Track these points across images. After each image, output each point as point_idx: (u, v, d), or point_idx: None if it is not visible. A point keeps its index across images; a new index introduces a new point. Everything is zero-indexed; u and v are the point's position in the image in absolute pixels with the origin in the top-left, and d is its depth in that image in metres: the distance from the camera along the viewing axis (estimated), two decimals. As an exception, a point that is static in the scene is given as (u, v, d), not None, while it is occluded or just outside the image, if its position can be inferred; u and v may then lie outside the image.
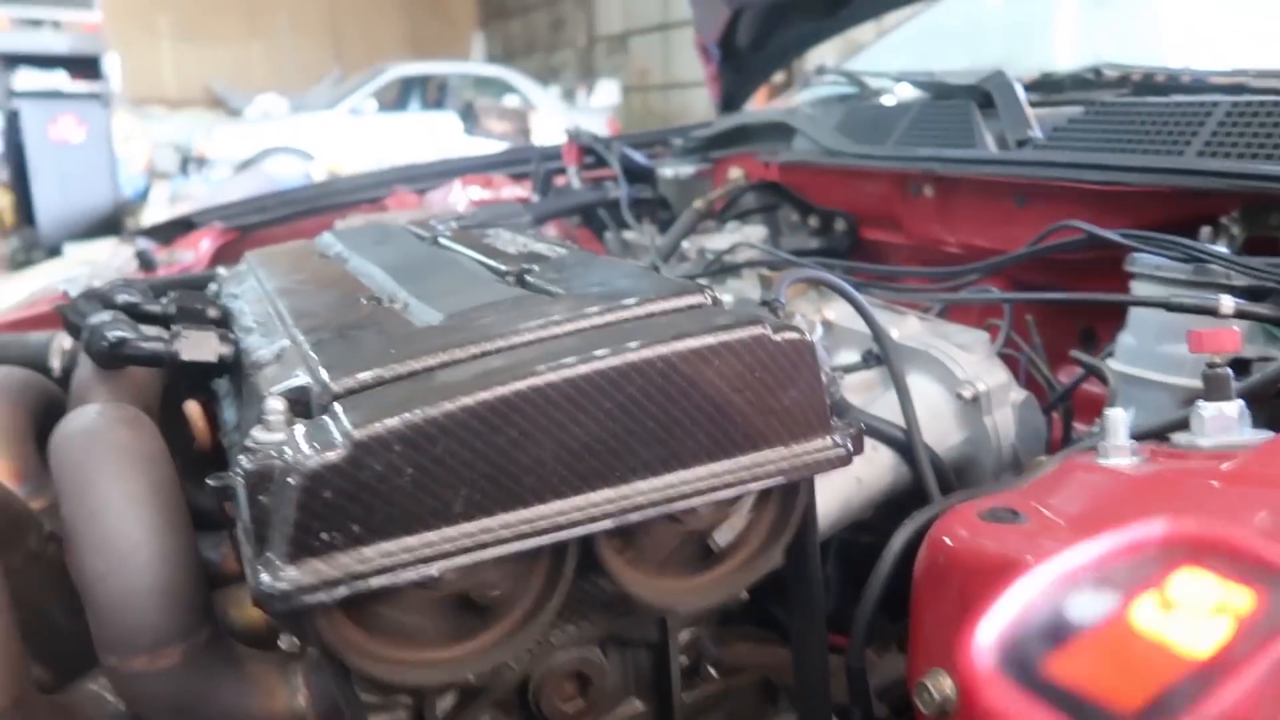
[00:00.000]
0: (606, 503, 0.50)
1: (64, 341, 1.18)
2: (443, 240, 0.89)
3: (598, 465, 0.50)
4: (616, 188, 1.67)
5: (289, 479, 0.44)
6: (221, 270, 0.97)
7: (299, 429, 0.48)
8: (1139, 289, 0.78)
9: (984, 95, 1.20)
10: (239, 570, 0.74)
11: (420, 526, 0.46)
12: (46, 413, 0.82)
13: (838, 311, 0.99)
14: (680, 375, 0.51)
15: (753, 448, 0.53)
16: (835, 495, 0.78)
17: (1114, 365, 0.79)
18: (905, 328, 0.90)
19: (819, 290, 1.04)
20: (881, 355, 0.85)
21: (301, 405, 0.52)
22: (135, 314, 0.79)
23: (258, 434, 0.49)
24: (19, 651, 0.56)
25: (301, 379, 0.54)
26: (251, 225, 1.76)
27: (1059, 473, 0.56)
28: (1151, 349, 0.78)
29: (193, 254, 1.62)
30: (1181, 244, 0.77)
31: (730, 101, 2.02)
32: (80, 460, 0.59)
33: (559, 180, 1.90)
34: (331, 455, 0.45)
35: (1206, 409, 0.58)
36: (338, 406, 0.48)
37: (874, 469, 0.81)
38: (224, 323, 0.78)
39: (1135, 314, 0.80)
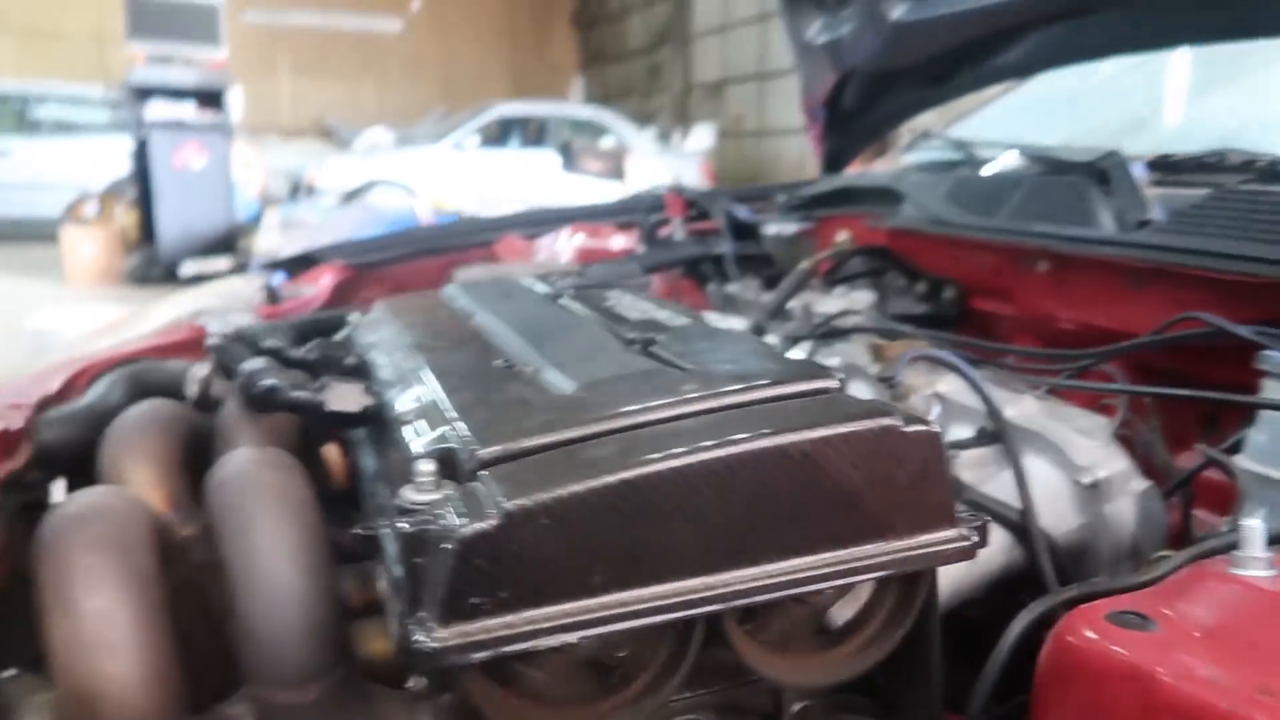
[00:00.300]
0: (737, 583, 0.51)
1: (199, 371, 1.25)
2: (565, 301, 0.92)
3: (729, 547, 0.51)
4: (721, 242, 1.70)
5: (445, 544, 0.47)
6: (354, 316, 1.02)
7: (450, 493, 0.51)
8: (1271, 389, 0.76)
9: (1100, 173, 1.19)
10: (363, 604, 0.77)
11: (562, 596, 0.48)
12: (191, 441, 0.87)
13: (950, 385, 0.99)
14: (812, 463, 0.53)
15: (879, 536, 0.54)
16: (948, 575, 0.77)
17: (1243, 463, 0.77)
18: (1022, 407, 0.90)
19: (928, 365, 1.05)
20: (998, 434, 0.85)
21: (449, 467, 0.55)
22: (279, 359, 0.84)
23: (410, 494, 0.52)
24: (178, 675, 0.60)
25: (448, 441, 0.57)
26: (370, 263, 1.84)
27: (1190, 579, 0.56)
28: (1282, 449, 0.76)
29: (314, 289, 1.70)
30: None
31: (834, 162, 2.03)
32: (239, 504, 0.64)
33: (663, 231, 1.94)
34: (484, 525, 0.47)
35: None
36: (487, 474, 0.51)
37: (988, 550, 0.80)
38: (362, 372, 0.82)
39: (1267, 412, 0.78)
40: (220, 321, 1.29)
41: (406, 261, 1.86)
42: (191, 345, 1.39)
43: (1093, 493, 0.81)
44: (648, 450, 0.51)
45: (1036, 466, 0.84)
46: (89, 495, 0.67)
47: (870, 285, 1.43)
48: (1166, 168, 1.23)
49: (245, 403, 0.77)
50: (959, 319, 1.35)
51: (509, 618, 0.47)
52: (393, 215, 4.38)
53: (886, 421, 0.54)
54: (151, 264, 7.34)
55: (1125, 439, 0.98)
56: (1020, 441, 0.85)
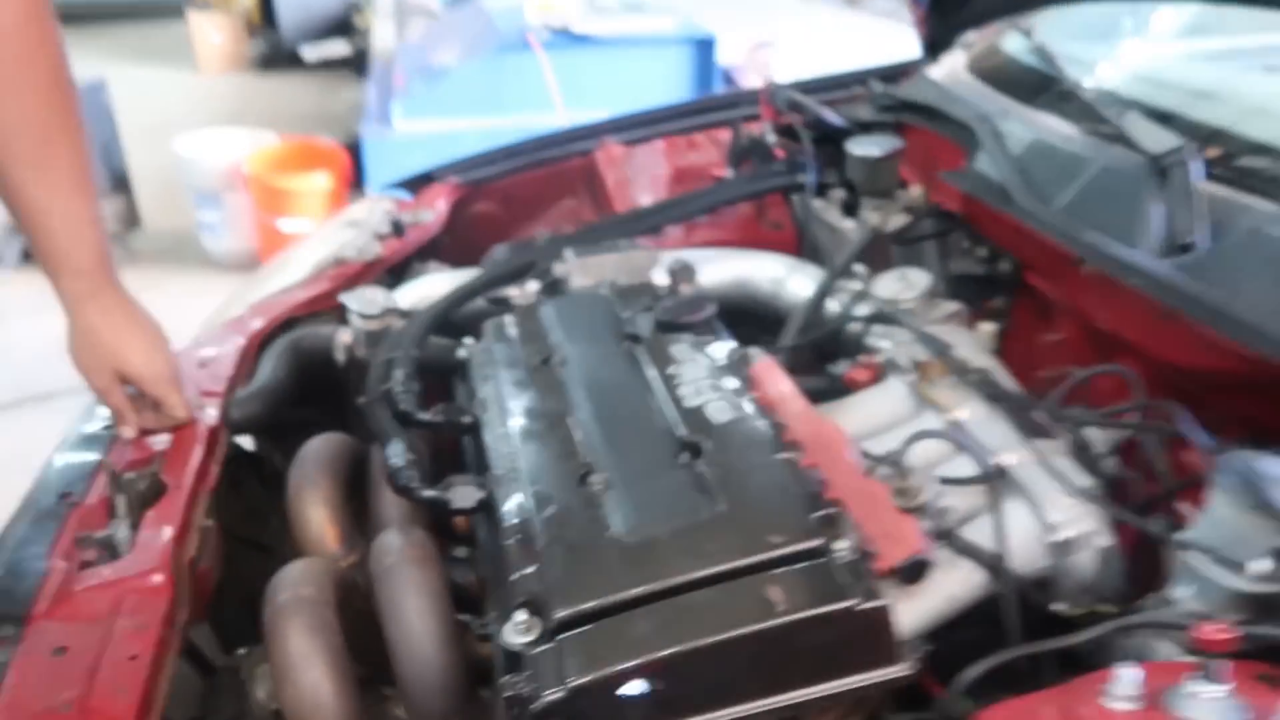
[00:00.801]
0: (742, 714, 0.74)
1: (345, 337, 1.50)
2: (638, 354, 1.10)
3: (732, 690, 0.74)
4: (803, 171, 1.78)
5: (531, 706, 0.71)
6: (464, 348, 1.22)
7: (539, 647, 0.74)
8: (1219, 501, 0.90)
9: (1162, 170, 1.24)
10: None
11: (612, 734, 0.73)
12: (354, 470, 1.13)
13: (972, 412, 1.15)
14: (796, 631, 0.73)
15: (843, 674, 0.76)
16: (929, 608, 0.98)
17: (1182, 539, 0.92)
18: (1021, 455, 1.06)
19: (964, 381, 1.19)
20: (992, 482, 1.02)
21: (537, 609, 0.78)
22: (406, 421, 1.07)
23: (511, 636, 0.76)
24: (357, 709, 0.88)
25: (535, 587, 0.79)
26: (481, 180, 2.00)
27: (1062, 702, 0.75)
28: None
29: (432, 214, 1.89)
30: None
31: (935, 46, 2.01)
32: (391, 583, 0.89)
33: (753, 126, 2.01)
34: (554, 695, 0.71)
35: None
36: (564, 641, 0.74)
37: (967, 588, 1.00)
38: (475, 431, 1.05)
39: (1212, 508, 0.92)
40: (357, 300, 1.51)
41: (515, 175, 2.02)
42: (333, 295, 1.63)
43: (1061, 546, 0.99)
44: (681, 629, 0.73)
45: (1016, 514, 1.02)
46: (295, 575, 0.93)
47: (936, 253, 1.53)
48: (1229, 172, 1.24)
49: (391, 489, 1.01)
50: (1015, 288, 1.45)
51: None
52: (503, 14, 4.41)
53: (848, 604, 0.74)
54: (275, 48, 7.54)
55: (1132, 445, 1.13)
56: (1006, 490, 1.03)
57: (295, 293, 1.63)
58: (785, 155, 1.91)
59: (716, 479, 0.88)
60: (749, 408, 1.00)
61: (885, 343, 1.34)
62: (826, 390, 1.27)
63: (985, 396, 1.16)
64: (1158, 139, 1.27)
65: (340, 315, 1.67)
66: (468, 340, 1.23)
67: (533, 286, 1.39)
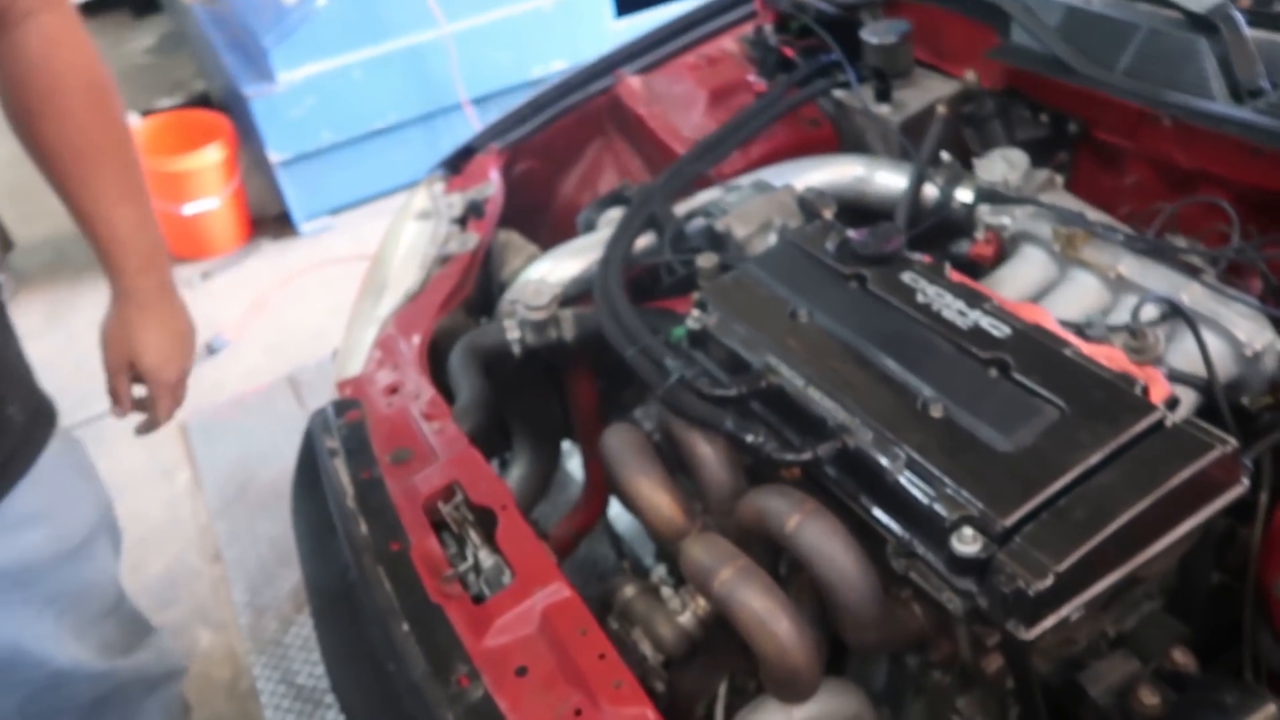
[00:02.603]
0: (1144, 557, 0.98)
1: (512, 333, 1.60)
2: (876, 290, 1.27)
3: (1132, 542, 0.97)
4: (835, 70, 1.92)
5: (1029, 591, 0.92)
6: (693, 319, 1.34)
7: (997, 554, 0.95)
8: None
9: (1210, 27, 1.47)
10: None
11: (1074, 597, 0.94)
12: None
13: (1128, 266, 1.39)
14: (1181, 487, 0.96)
15: (1207, 503, 1.00)
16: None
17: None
18: (1192, 293, 1.31)
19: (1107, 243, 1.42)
20: (1185, 320, 1.27)
21: (978, 524, 0.98)
22: (713, 401, 1.21)
23: (963, 548, 0.96)
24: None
25: (964, 508, 0.99)
26: (519, 140, 2.05)
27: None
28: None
29: (491, 187, 1.93)
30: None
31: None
32: (810, 532, 1.06)
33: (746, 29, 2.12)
34: (1044, 583, 0.91)
35: None
36: (1020, 541, 0.95)
37: (1189, 405, 1.26)
38: (777, 399, 1.20)
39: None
40: (520, 292, 1.59)
41: (545, 128, 2.07)
42: (459, 291, 1.69)
43: (1252, 359, 1.26)
44: (1102, 509, 0.95)
45: (1210, 340, 1.28)
46: (718, 553, 1.10)
47: (999, 119, 1.73)
48: (1264, 19, 1.48)
49: (749, 464, 1.16)
50: (1081, 144, 1.68)
51: (1052, 619, 0.94)
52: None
53: (1218, 452, 0.97)
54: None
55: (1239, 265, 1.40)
56: (1197, 321, 1.28)
57: (426, 299, 1.68)
58: (793, 54, 2.05)
59: (1039, 383, 1.08)
60: (1004, 315, 1.19)
61: (1005, 219, 1.56)
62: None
63: (1132, 250, 1.40)
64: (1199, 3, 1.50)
65: (469, 308, 1.75)
66: (694, 312, 1.35)
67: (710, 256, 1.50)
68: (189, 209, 3.81)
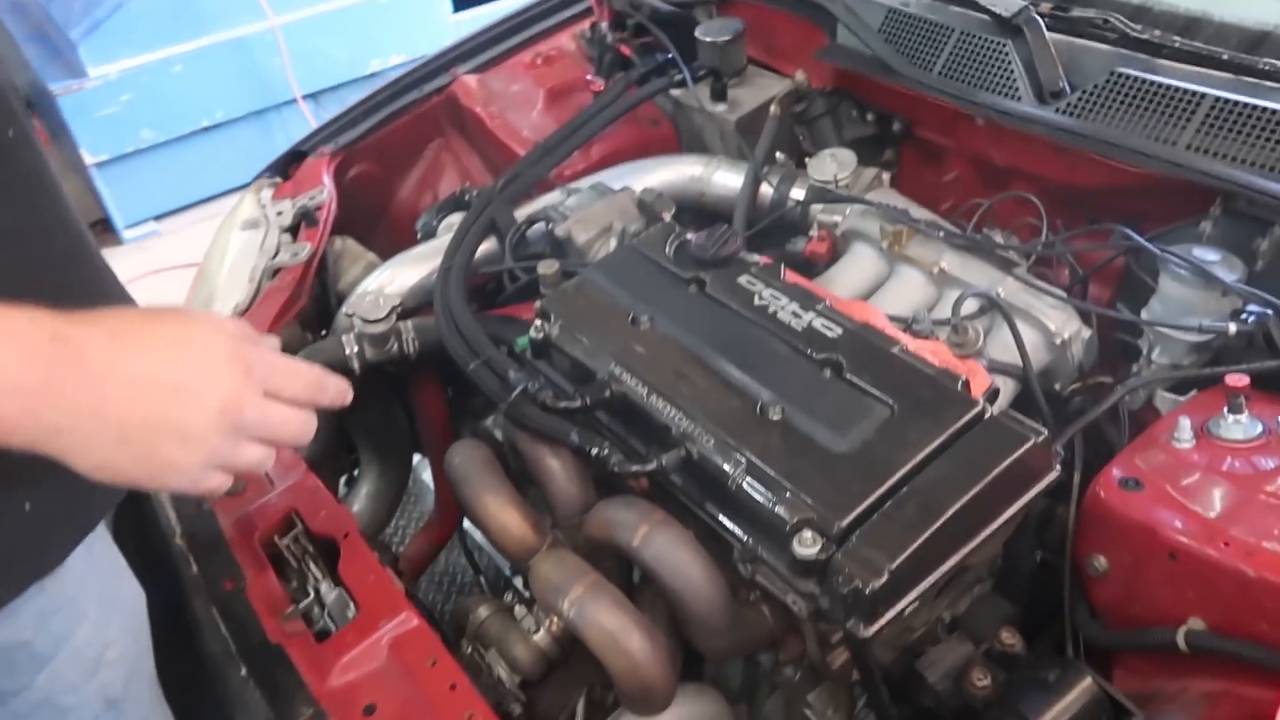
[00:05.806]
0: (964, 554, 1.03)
1: (350, 347, 1.54)
2: (715, 294, 1.29)
3: (955, 536, 1.02)
4: (670, 69, 1.93)
5: (865, 590, 0.95)
6: (536, 329, 1.32)
7: (835, 554, 0.97)
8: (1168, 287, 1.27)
9: (1015, 30, 1.55)
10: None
11: (906, 593, 0.98)
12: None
13: (950, 261, 1.45)
14: (1001, 477, 1.02)
15: (1026, 490, 1.06)
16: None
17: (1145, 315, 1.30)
18: (1007, 287, 1.38)
19: (930, 240, 1.48)
20: (1002, 313, 1.34)
21: (815, 525, 1.00)
22: (554, 412, 1.20)
23: (803, 551, 0.98)
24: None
25: (802, 511, 1.01)
26: (352, 142, 1.97)
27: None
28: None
29: (324, 192, 1.86)
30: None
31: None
32: (657, 544, 1.07)
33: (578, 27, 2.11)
34: (880, 581, 0.95)
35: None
36: (855, 540, 0.98)
37: (1008, 393, 1.34)
38: (622, 408, 1.20)
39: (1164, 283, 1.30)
40: (358, 305, 1.53)
41: (383, 129, 2.00)
42: (291, 306, 1.62)
43: (1061, 346, 1.34)
44: (931, 504, 0.99)
45: (1023, 330, 1.35)
46: (568, 570, 1.09)
47: (829, 117, 1.78)
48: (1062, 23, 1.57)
49: (597, 475, 1.15)
50: (905, 142, 1.75)
51: (889, 614, 0.97)
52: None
53: (1031, 442, 1.03)
54: None
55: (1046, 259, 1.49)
56: (1012, 313, 1.35)
57: (258, 314, 1.60)
58: (630, 52, 2.05)
59: (870, 383, 1.12)
60: (836, 316, 1.23)
61: (835, 217, 1.61)
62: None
63: (953, 246, 1.46)
64: (1004, 1, 1.58)
65: (305, 322, 1.67)
66: (536, 322, 1.33)
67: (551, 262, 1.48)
68: None
